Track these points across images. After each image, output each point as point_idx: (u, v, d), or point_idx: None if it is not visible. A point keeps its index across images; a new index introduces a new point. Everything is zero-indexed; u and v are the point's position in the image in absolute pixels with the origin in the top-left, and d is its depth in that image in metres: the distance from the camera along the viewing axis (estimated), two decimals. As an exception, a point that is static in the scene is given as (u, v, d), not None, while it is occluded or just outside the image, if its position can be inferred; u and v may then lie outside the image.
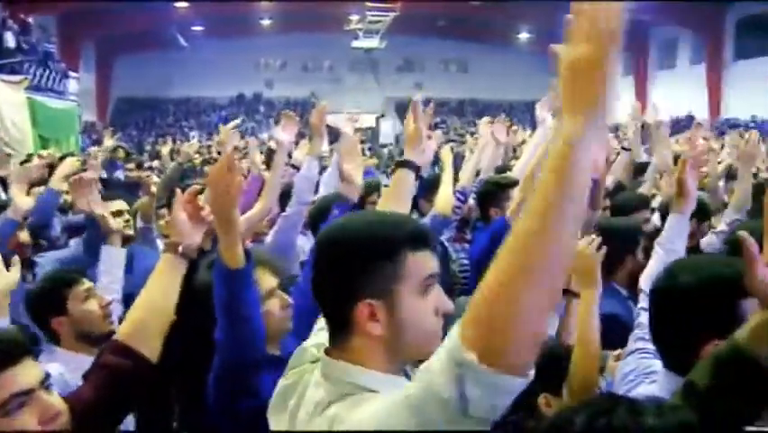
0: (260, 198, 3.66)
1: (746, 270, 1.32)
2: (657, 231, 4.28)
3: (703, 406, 1.34)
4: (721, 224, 3.89)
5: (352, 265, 1.35)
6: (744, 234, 1.33)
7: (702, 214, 4.03)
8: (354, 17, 31.05)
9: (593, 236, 2.55)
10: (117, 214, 3.70)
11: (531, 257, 1.01)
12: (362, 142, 23.80)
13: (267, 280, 2.25)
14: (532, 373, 1.05)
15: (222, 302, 2.01)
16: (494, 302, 1.02)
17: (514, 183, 3.99)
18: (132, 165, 9.45)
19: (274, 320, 2.20)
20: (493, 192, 3.94)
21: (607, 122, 1.03)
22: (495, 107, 29.43)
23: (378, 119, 33.11)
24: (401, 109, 37.01)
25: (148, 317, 2.04)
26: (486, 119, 4.73)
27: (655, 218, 4.52)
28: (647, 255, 3.39)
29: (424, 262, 1.38)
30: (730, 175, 5.59)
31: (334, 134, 4.34)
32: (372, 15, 29.79)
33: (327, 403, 1.31)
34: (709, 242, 3.84)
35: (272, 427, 1.49)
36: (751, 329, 1.34)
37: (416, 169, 2.29)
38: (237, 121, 4.74)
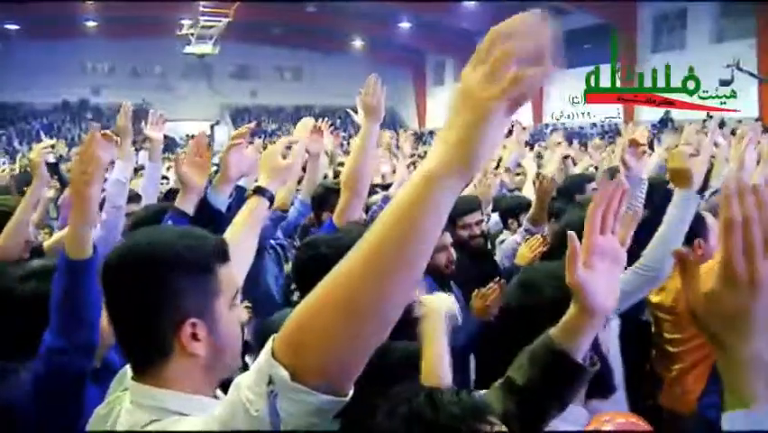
0: None
1: (567, 265, 1.36)
2: (499, 231, 4.53)
3: (521, 400, 1.43)
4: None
5: (171, 284, 1.28)
6: (571, 233, 1.39)
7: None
8: (186, 22, 30.31)
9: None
10: None
11: (350, 293, 0.93)
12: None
13: None
14: (350, 393, 1.00)
15: (60, 299, 1.85)
16: (308, 327, 0.96)
17: None
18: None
19: (100, 334, 2.03)
20: (325, 196, 3.98)
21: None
22: (331, 113, 29.66)
23: (212, 127, 32.46)
24: (236, 116, 36.54)
25: None
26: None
27: (495, 217, 4.75)
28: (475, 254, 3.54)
29: (231, 275, 1.36)
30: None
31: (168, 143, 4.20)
32: (205, 21, 29.21)
33: (140, 427, 1.25)
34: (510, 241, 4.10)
35: None
36: (562, 323, 1.44)
37: (271, 198, 2.23)
38: (51, 141, 4.37)
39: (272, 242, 3.94)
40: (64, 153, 9.86)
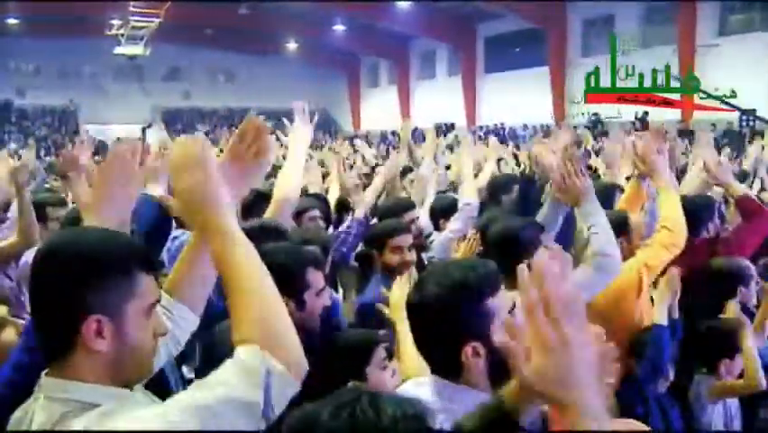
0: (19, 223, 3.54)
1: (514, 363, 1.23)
2: (429, 234, 4.56)
3: None
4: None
5: (86, 279, 1.31)
6: (511, 346, 1.21)
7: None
8: (116, 22, 29.64)
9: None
10: None
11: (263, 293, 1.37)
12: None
13: None
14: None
15: None
16: (272, 319, 1.34)
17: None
18: None
19: (12, 349, 1.97)
20: (255, 202, 3.99)
21: None
22: (265, 116, 29.44)
23: (144, 129, 31.87)
24: (169, 119, 35.94)
25: None
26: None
27: (425, 219, 4.78)
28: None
29: (152, 285, 1.41)
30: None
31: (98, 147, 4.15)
32: (135, 21, 28.63)
33: (55, 422, 1.27)
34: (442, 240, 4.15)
35: None
36: (510, 388, 1.44)
37: None
38: None
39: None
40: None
